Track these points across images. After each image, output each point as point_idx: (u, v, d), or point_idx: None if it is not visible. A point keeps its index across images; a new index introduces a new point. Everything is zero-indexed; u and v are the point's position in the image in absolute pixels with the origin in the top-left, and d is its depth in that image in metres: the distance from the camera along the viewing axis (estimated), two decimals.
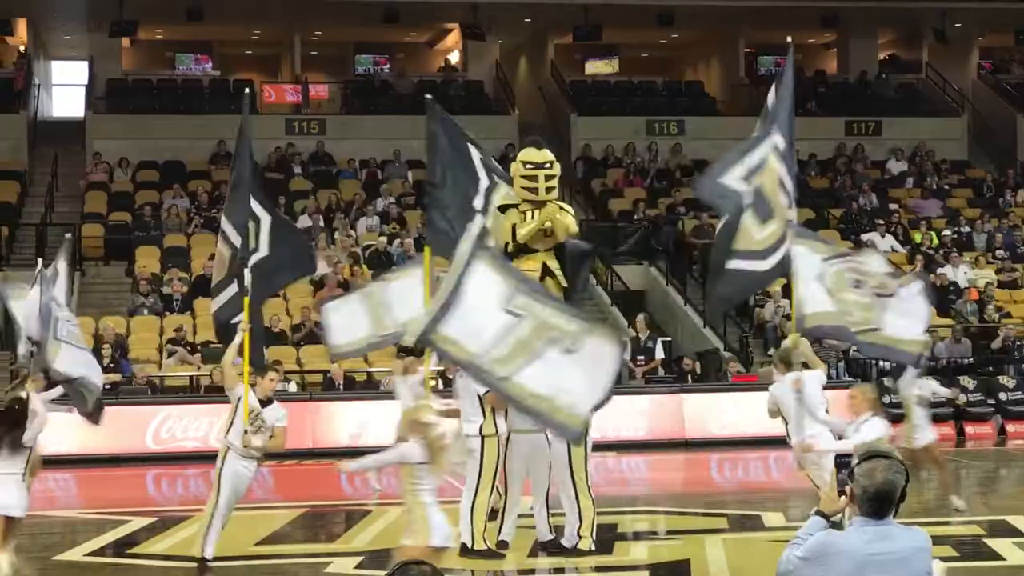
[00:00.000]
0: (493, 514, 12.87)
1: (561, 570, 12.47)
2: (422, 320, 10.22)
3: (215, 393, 22.40)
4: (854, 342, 13.44)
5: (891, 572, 5.20)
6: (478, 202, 13.22)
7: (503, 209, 12.76)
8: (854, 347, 15.61)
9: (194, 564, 12.00)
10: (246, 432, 11.80)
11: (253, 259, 12.27)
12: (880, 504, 5.25)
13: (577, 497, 12.75)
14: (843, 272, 12.11)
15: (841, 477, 5.46)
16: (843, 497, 5.39)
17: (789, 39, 13.66)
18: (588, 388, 9.85)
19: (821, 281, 11.96)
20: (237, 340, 11.98)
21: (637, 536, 14.22)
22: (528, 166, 12.75)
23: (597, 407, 10.03)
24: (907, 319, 12.17)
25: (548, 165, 12.77)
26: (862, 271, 12.22)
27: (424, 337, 10.07)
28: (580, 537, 12.72)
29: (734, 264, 11.88)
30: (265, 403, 12.06)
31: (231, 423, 12.00)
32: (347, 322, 13.33)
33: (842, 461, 5.48)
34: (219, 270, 12.77)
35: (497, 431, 12.54)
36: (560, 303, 10.61)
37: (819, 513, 5.47)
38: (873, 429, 11.32)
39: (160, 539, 14.11)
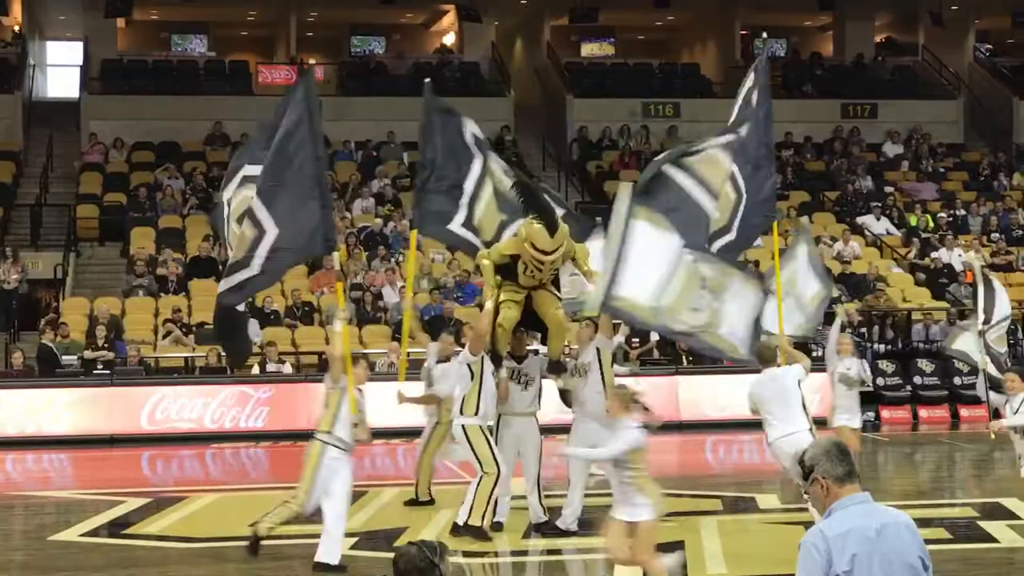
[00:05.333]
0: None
1: (556, 551, 12.48)
2: (598, 291, 10.61)
3: (209, 374, 22.43)
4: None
5: (896, 546, 4.97)
6: (468, 184, 13.35)
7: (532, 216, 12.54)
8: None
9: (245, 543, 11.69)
10: (355, 425, 11.25)
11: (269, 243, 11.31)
12: (850, 460, 5.06)
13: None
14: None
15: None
16: None
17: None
18: (740, 322, 10.90)
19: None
20: (337, 328, 11.30)
21: None
22: (536, 250, 12.31)
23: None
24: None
25: (554, 252, 12.41)
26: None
27: (606, 305, 10.48)
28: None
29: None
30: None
31: (335, 416, 11.23)
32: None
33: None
34: (239, 249, 11.55)
35: (478, 412, 12.44)
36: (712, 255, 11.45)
37: None
38: None
39: (154, 519, 14.11)
